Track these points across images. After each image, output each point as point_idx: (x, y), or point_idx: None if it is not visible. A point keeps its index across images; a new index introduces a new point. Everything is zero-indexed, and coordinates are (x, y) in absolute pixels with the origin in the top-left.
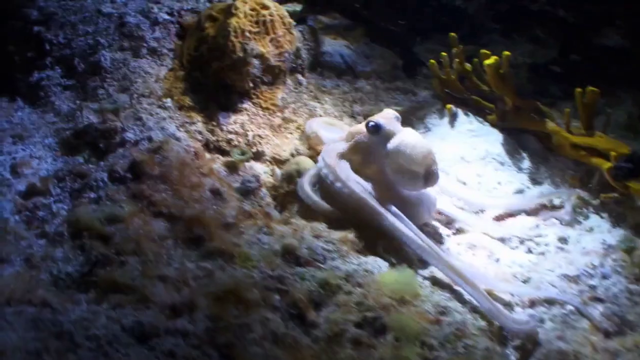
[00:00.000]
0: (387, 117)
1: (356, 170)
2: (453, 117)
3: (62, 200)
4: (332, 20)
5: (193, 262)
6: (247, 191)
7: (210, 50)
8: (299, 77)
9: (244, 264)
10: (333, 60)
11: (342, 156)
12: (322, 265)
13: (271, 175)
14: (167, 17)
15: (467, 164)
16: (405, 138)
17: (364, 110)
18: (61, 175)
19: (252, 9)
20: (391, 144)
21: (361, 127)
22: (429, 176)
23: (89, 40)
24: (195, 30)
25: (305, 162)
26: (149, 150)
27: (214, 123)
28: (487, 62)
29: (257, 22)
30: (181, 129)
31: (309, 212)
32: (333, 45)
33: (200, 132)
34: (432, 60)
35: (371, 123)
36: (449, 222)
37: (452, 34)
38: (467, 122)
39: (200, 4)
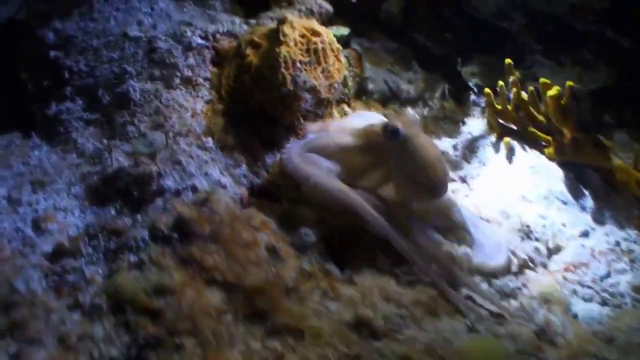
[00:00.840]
0: (407, 121)
1: (360, 172)
2: (510, 151)
3: (95, 262)
4: (372, 41)
5: (258, 341)
6: (304, 246)
7: (254, 80)
8: (345, 107)
9: (316, 341)
10: (377, 86)
11: (345, 151)
12: (399, 337)
13: None
14: (201, 41)
15: (529, 203)
16: (422, 144)
17: None
18: (92, 232)
19: (302, 36)
20: (405, 148)
21: (377, 127)
22: (440, 188)
23: (115, 68)
24: (235, 57)
25: None
26: (194, 203)
27: (260, 164)
28: (550, 93)
29: (307, 51)
30: (225, 173)
31: None
32: (376, 70)
33: (245, 176)
34: (487, 90)
35: (389, 128)
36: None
37: (508, 60)
38: (525, 157)
39: (237, 26)
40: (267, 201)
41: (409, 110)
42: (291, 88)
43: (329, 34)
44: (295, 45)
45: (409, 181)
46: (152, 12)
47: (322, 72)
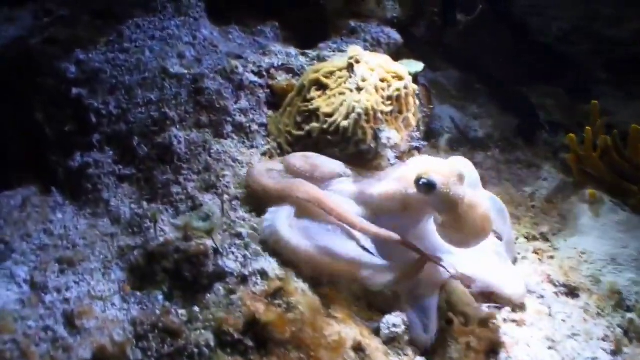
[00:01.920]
0: (447, 175)
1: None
2: (595, 204)
3: None
4: (434, 70)
5: None
6: (391, 339)
7: (325, 132)
8: (416, 154)
9: None
10: (444, 125)
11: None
12: None
13: None
14: (254, 78)
15: (619, 267)
16: (463, 202)
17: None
18: (141, 332)
19: (382, 80)
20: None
21: (410, 177)
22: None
23: (153, 112)
24: (296, 99)
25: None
26: (266, 294)
27: None
28: None
29: (389, 99)
30: None
31: None
32: (442, 106)
33: None
34: (571, 135)
35: (423, 180)
36: None
37: (594, 101)
38: (612, 212)
39: (293, 58)
40: None
41: (460, 161)
42: (372, 145)
43: (407, 75)
44: (377, 92)
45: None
46: (195, 42)
47: (403, 121)
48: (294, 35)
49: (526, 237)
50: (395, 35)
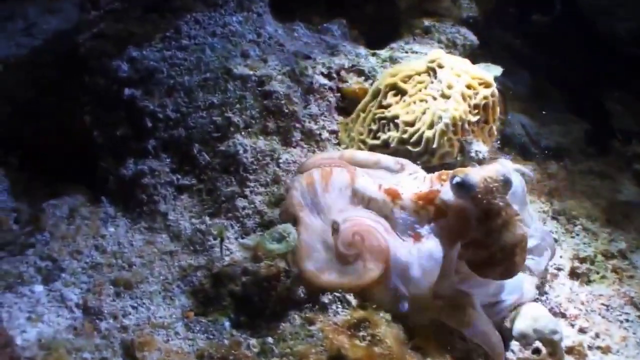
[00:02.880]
0: (489, 177)
1: None
2: None
3: None
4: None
5: None
6: None
7: (405, 142)
8: None
9: None
10: (514, 131)
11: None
12: None
13: None
14: (324, 81)
15: None
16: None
17: (565, 208)
18: None
19: (469, 86)
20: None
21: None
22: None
23: (215, 117)
24: (370, 105)
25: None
26: (350, 326)
27: None
28: None
29: (476, 107)
30: None
31: None
32: (512, 112)
33: None
34: None
35: (456, 179)
36: None
37: None
38: None
39: (363, 59)
40: None
41: (507, 165)
42: (459, 159)
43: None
44: (464, 100)
45: (473, 251)
46: (260, 40)
47: (489, 132)
48: (362, 34)
49: (604, 255)
50: (472, 36)
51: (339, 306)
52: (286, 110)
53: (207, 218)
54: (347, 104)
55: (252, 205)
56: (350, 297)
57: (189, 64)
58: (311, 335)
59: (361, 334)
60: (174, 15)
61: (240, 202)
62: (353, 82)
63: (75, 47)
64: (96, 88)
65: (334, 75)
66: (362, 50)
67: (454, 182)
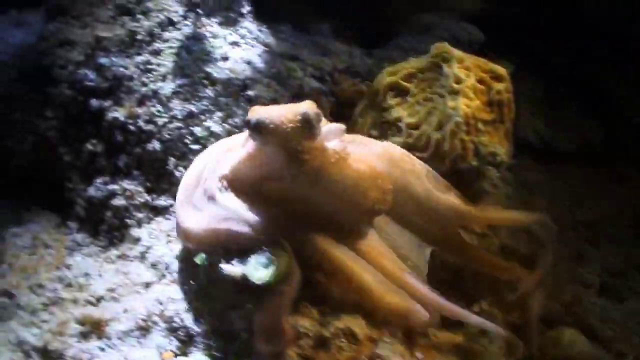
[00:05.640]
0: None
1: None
2: None
3: None
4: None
5: None
6: None
7: (410, 147)
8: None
9: None
10: (527, 135)
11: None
12: None
13: None
14: (315, 84)
15: None
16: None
17: (588, 219)
18: None
19: (480, 81)
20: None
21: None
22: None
23: (194, 127)
24: (368, 108)
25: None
26: None
27: None
28: None
29: (489, 104)
30: None
31: None
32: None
33: None
34: None
35: (251, 120)
36: None
37: None
38: None
39: (357, 59)
40: None
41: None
42: (474, 163)
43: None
44: (476, 96)
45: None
46: (242, 42)
47: (504, 133)
48: (355, 32)
49: (637, 269)
50: (477, 32)
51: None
52: None
53: None
54: (342, 109)
55: None
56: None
57: (164, 69)
58: None
59: None
60: (146, 17)
61: None
62: (348, 85)
63: (39, 57)
64: (61, 100)
65: (327, 77)
66: (356, 50)
67: (250, 123)
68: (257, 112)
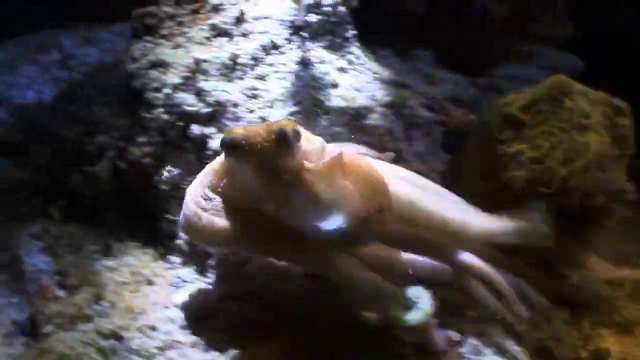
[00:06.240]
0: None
1: None
2: None
3: None
4: None
5: None
6: None
7: (534, 183)
8: None
9: None
10: None
11: None
12: None
13: None
14: (427, 113)
15: None
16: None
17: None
18: None
19: (605, 115)
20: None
21: None
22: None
23: None
24: (481, 139)
25: None
26: None
27: None
28: None
29: (615, 139)
30: None
31: None
32: None
33: None
34: None
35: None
36: None
37: None
38: None
39: (462, 87)
40: None
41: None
42: (603, 200)
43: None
44: (604, 132)
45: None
46: (350, 67)
47: (627, 169)
48: (455, 60)
49: None
50: (577, 62)
51: None
52: (390, 148)
53: None
54: (452, 140)
55: None
56: None
57: (271, 95)
58: None
59: None
60: (246, 39)
61: None
62: (457, 114)
63: (127, 79)
64: (158, 125)
65: (436, 107)
66: (460, 78)
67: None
68: (232, 132)
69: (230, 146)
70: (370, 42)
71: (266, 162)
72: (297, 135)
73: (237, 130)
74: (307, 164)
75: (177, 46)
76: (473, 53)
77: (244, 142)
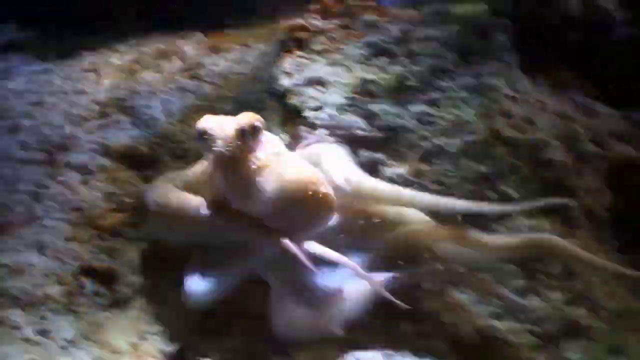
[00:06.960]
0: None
1: None
2: None
3: None
4: None
5: None
6: None
7: None
8: None
9: None
10: None
11: None
12: None
13: None
14: (594, 148)
15: None
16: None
17: None
18: None
19: None
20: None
21: None
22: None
23: (487, 190)
24: None
25: None
26: None
27: None
28: None
29: None
30: None
31: None
32: None
33: None
34: None
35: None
36: None
37: None
38: None
39: (615, 121)
40: None
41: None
42: None
43: None
44: None
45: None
46: (517, 96)
47: None
48: (610, 93)
49: None
50: None
51: None
52: (565, 184)
53: None
54: (613, 175)
55: None
56: None
57: (444, 123)
58: None
59: None
60: (412, 60)
61: None
62: (619, 150)
63: (283, 95)
64: None
65: (599, 140)
66: (615, 112)
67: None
68: (204, 121)
69: (199, 134)
70: (529, 69)
71: (226, 154)
72: (258, 129)
73: (209, 119)
74: (258, 159)
75: (333, 63)
76: (626, 85)
77: (209, 132)
